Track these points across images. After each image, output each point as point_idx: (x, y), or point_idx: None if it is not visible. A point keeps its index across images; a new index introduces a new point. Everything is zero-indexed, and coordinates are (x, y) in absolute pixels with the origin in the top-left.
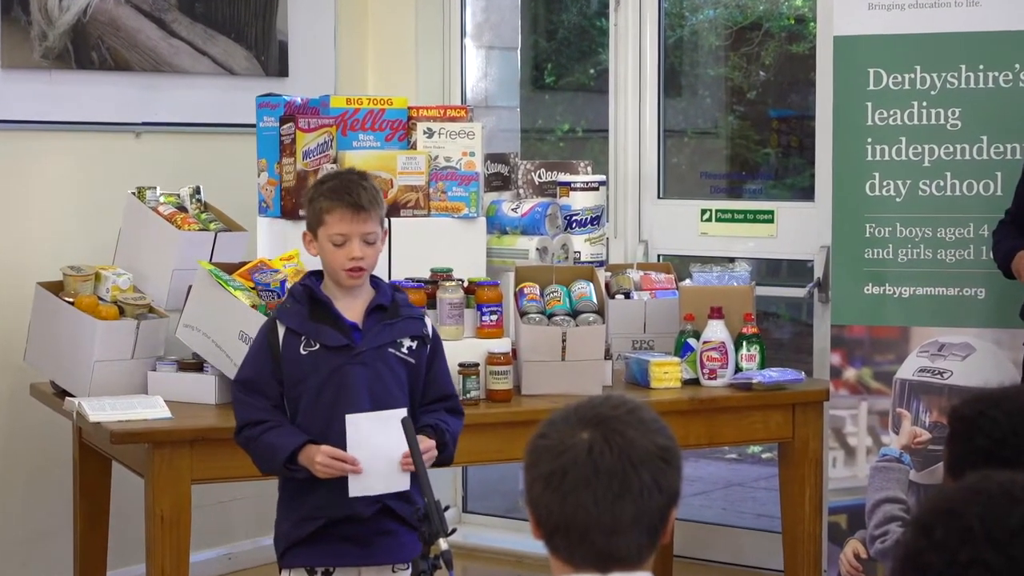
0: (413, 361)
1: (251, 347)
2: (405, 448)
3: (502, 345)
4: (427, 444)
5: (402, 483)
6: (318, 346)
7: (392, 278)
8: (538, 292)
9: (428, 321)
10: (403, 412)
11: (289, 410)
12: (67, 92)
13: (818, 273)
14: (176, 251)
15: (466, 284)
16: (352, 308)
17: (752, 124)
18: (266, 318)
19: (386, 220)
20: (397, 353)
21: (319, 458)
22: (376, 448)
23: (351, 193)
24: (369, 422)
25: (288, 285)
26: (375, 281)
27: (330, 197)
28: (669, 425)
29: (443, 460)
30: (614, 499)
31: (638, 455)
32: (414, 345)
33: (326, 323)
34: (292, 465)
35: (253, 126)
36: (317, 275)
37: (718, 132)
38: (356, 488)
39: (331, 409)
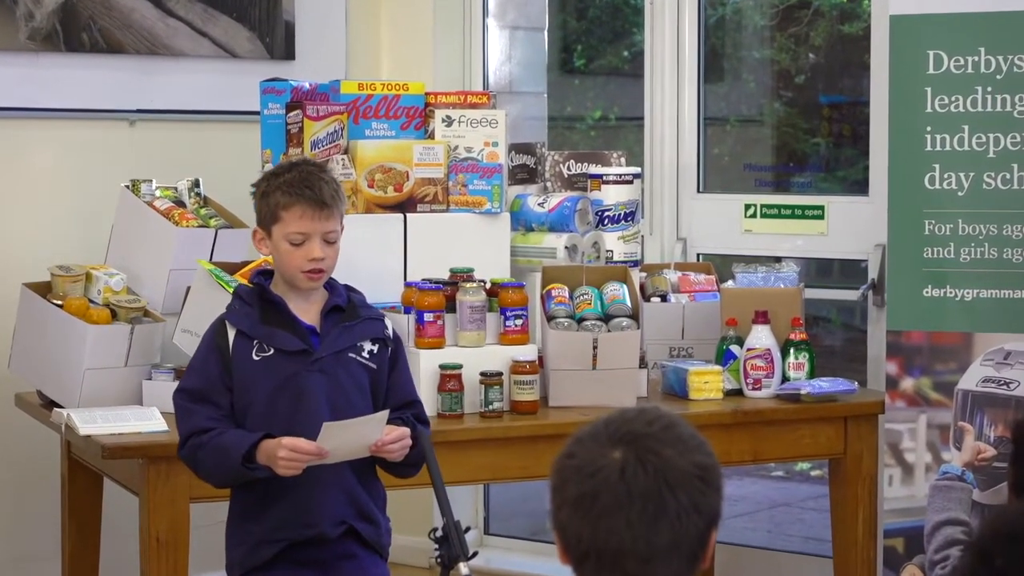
0: (375, 366)
1: (196, 353)
2: (376, 439)
3: (527, 352)
4: (400, 432)
5: (363, 454)
6: (272, 351)
7: (408, 279)
8: (567, 294)
9: (388, 322)
10: (384, 416)
11: (238, 422)
12: (55, 77)
13: (873, 274)
14: (173, 249)
15: (488, 286)
16: (307, 310)
17: (800, 111)
18: None
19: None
20: (358, 358)
21: (281, 452)
22: (345, 443)
23: (312, 187)
24: (345, 430)
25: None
26: (328, 281)
27: (288, 192)
28: (709, 440)
29: (413, 459)
30: (649, 524)
31: (675, 476)
32: (375, 348)
33: (280, 326)
34: (250, 464)
35: (257, 113)
36: (266, 274)
37: (763, 120)
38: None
39: (287, 420)
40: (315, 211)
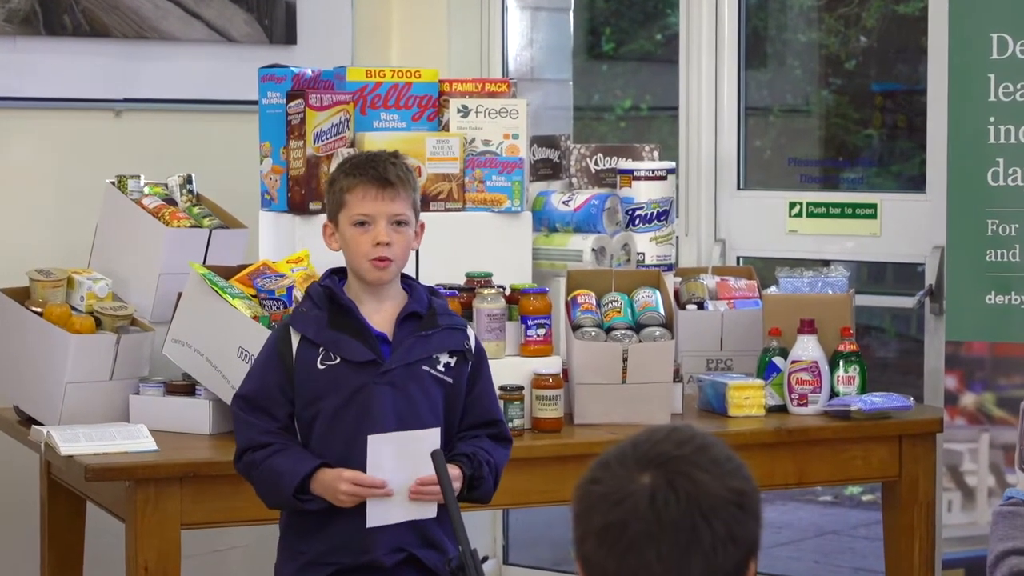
0: (451, 380)
1: (258, 357)
2: (425, 473)
3: (551, 365)
4: (452, 473)
5: (427, 510)
6: (338, 360)
7: None
8: (594, 301)
9: (471, 333)
10: (435, 433)
11: (300, 435)
12: (34, 63)
13: (930, 279)
14: (163, 252)
15: (508, 292)
16: (380, 315)
17: (851, 100)
18: (269, 331)
19: (421, 211)
20: (432, 371)
21: (344, 486)
22: (400, 473)
23: (376, 167)
24: (392, 444)
25: (297, 293)
26: (408, 283)
27: (351, 173)
28: (748, 463)
29: (480, 496)
30: (681, 555)
31: (709, 503)
32: (453, 361)
33: (349, 333)
34: (303, 495)
35: (255, 103)
36: (339, 274)
37: (810, 110)
38: (375, 517)
39: (351, 436)
40: (379, 190)
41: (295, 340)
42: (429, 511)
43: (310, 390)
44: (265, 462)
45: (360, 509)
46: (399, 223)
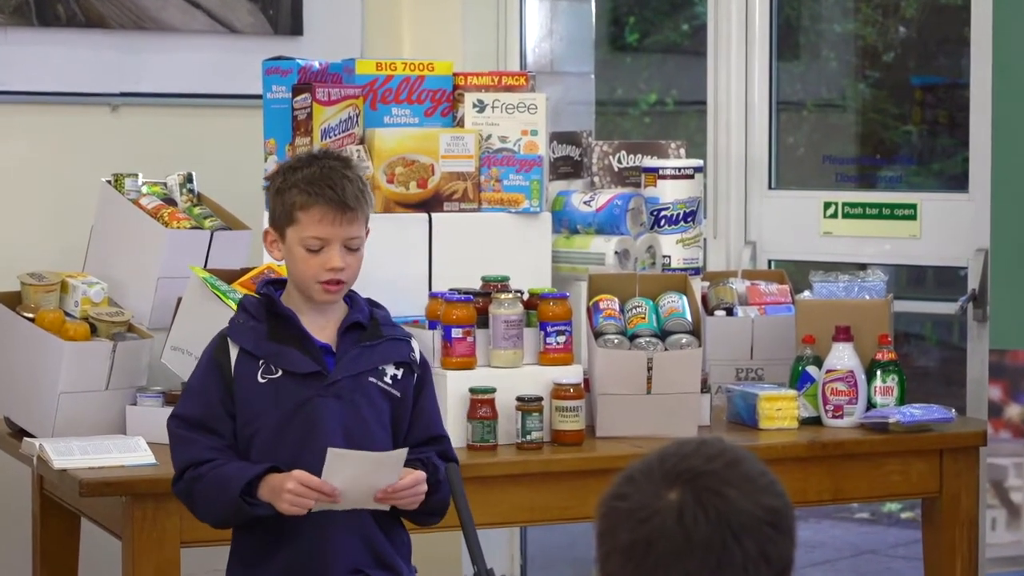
0: (398, 393)
1: (194, 372)
2: (389, 483)
3: (572, 374)
4: (413, 477)
5: (373, 504)
6: (280, 373)
7: (433, 289)
8: (617, 307)
9: (415, 344)
10: (400, 455)
11: (241, 454)
12: (26, 55)
13: (973, 284)
14: (162, 254)
15: (526, 297)
16: (322, 326)
17: (889, 94)
18: None
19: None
20: (379, 383)
21: (290, 484)
22: (353, 492)
23: (334, 187)
24: (353, 465)
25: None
26: (347, 294)
27: (307, 191)
28: (780, 478)
29: (436, 504)
30: None
31: (740, 521)
32: (399, 373)
33: (290, 344)
34: (251, 498)
35: (259, 97)
36: (277, 283)
37: (845, 104)
38: (320, 504)
39: (295, 452)
40: (336, 214)
41: (234, 352)
42: (375, 505)
43: (250, 405)
44: (209, 474)
45: (313, 531)
46: (353, 246)
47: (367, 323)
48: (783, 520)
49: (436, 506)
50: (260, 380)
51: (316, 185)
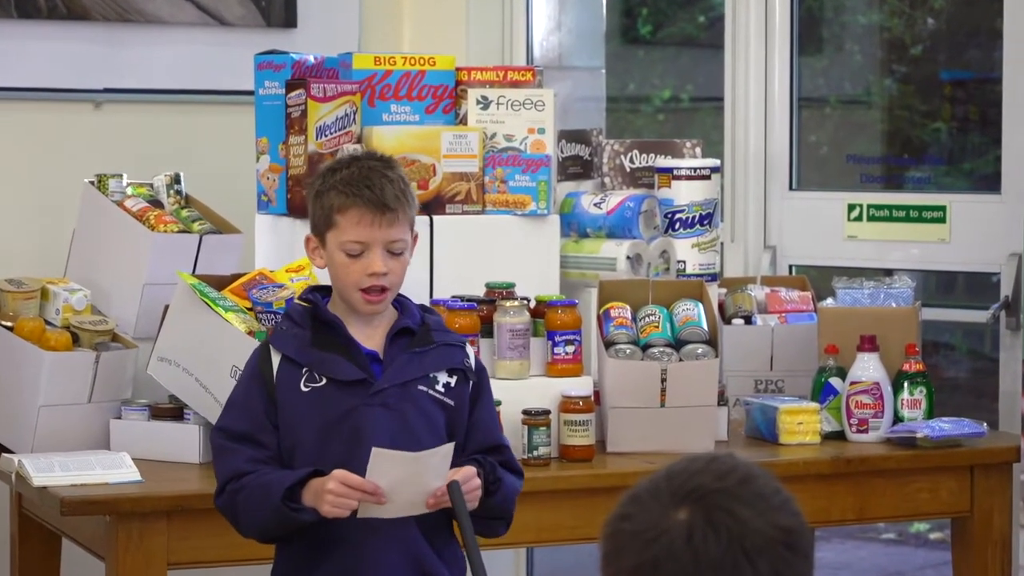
0: (452, 402)
1: (238, 383)
2: (440, 485)
3: (581, 386)
4: (465, 471)
5: (424, 508)
6: (324, 381)
7: (434, 295)
8: (629, 315)
9: (470, 350)
10: (448, 449)
11: (285, 466)
12: (5, 49)
13: (1006, 290)
14: (148, 259)
15: (533, 304)
16: (369, 332)
17: (917, 90)
18: None
19: (417, 223)
20: (430, 392)
21: (331, 484)
22: (399, 495)
23: (372, 187)
24: (401, 463)
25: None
26: (398, 299)
27: (344, 191)
28: (802, 496)
29: (494, 510)
30: None
31: (753, 541)
32: (452, 381)
33: (335, 351)
34: (293, 503)
35: (251, 94)
36: (323, 290)
37: (871, 101)
38: (366, 511)
39: (340, 464)
40: (375, 215)
41: (275, 360)
42: (425, 509)
43: (293, 415)
44: (252, 483)
45: (354, 542)
46: (396, 250)
47: (417, 328)
48: (799, 540)
49: (497, 510)
50: (303, 389)
51: (354, 186)
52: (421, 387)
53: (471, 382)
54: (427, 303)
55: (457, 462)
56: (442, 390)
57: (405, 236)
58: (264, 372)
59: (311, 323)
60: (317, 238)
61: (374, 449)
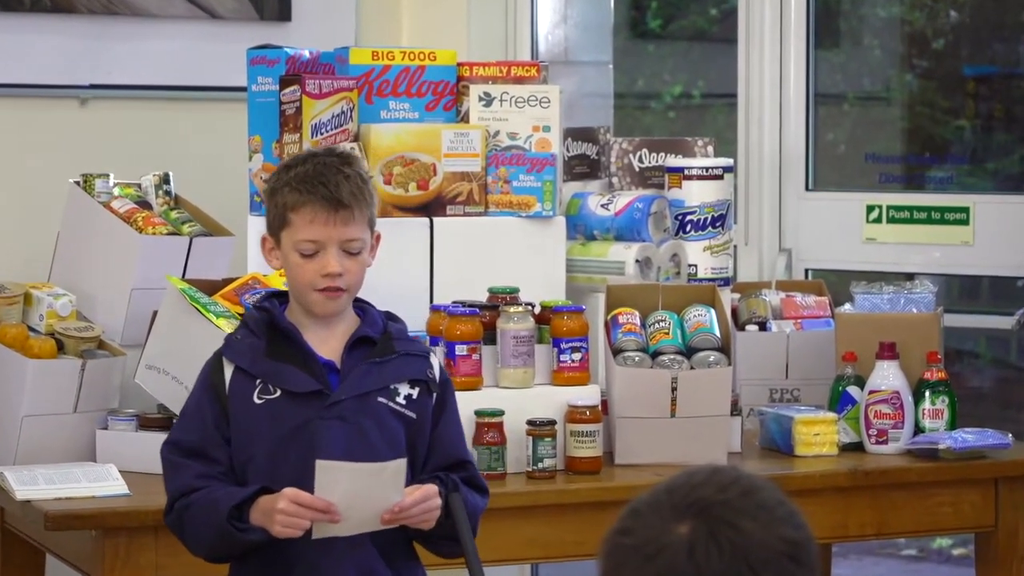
0: (413, 415)
1: (190, 395)
2: (395, 501)
3: (588, 395)
4: (424, 491)
5: (380, 525)
6: (278, 393)
7: (435, 301)
8: (638, 321)
9: (434, 360)
10: (400, 464)
11: (238, 482)
12: None
13: None
14: (136, 263)
15: (538, 310)
16: (327, 341)
17: (939, 86)
18: None
19: (377, 223)
20: (391, 404)
21: (281, 503)
22: (352, 510)
23: (327, 183)
24: (349, 475)
25: None
26: (360, 305)
27: (298, 188)
28: (818, 510)
29: (453, 531)
30: None
31: (758, 555)
32: (415, 393)
33: (290, 361)
34: (240, 523)
35: (243, 90)
36: (281, 296)
37: (891, 97)
38: (321, 530)
39: (294, 480)
40: (329, 213)
41: (228, 372)
42: (381, 525)
43: (245, 428)
44: (199, 500)
45: (309, 561)
46: (352, 249)
47: (378, 337)
48: (804, 553)
49: (449, 533)
50: (256, 401)
51: (308, 183)
52: (381, 399)
53: (434, 394)
54: (425, 309)
55: (419, 479)
56: (403, 402)
57: (362, 235)
58: (216, 384)
59: (267, 332)
60: (272, 238)
61: (318, 462)
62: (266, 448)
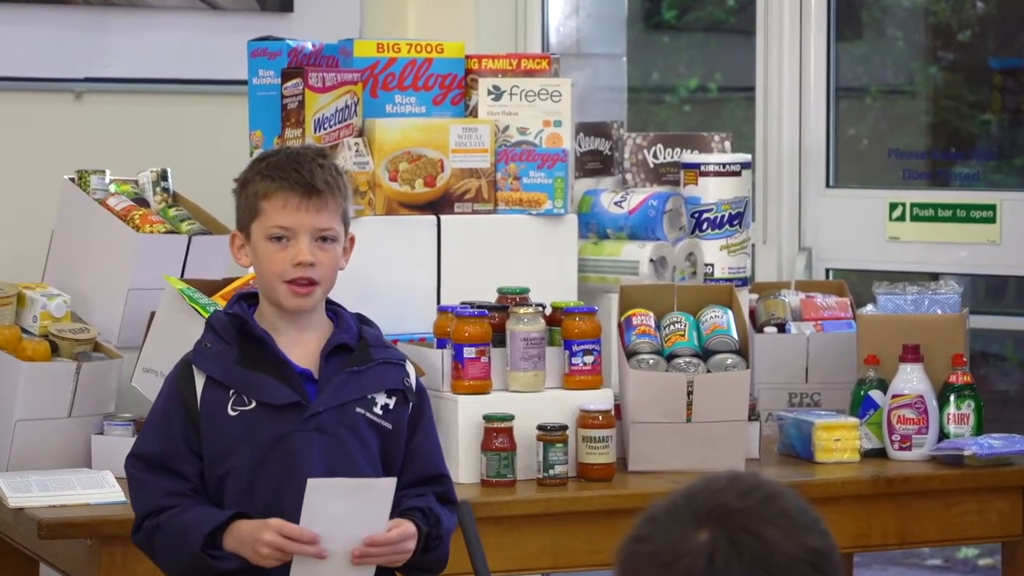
0: (389, 426)
1: (155, 405)
2: (375, 531)
3: (600, 400)
4: (402, 531)
5: (364, 573)
6: (253, 404)
7: (442, 302)
8: (652, 323)
9: (410, 369)
10: (391, 483)
11: (211, 496)
12: None
13: None
14: (133, 262)
15: (549, 311)
16: (302, 348)
17: (965, 79)
18: None
19: (351, 220)
20: (367, 414)
21: (268, 535)
22: (340, 530)
23: (300, 169)
24: (338, 495)
25: None
26: (332, 309)
27: (270, 175)
28: (840, 518)
29: (433, 562)
30: None
31: (779, 563)
32: (391, 403)
33: (264, 370)
34: (214, 551)
35: (244, 83)
36: (251, 298)
37: (915, 91)
38: (300, 571)
39: (273, 495)
40: (302, 199)
41: (199, 382)
42: (365, 572)
43: (220, 442)
44: (169, 522)
45: None
46: (325, 239)
47: (355, 344)
48: (827, 562)
49: (431, 564)
50: (231, 413)
51: (279, 168)
52: (359, 409)
53: (411, 404)
54: (432, 310)
55: (398, 505)
56: (380, 412)
57: (335, 225)
58: (185, 394)
59: (237, 338)
60: (243, 233)
61: (310, 481)
62: (243, 462)
